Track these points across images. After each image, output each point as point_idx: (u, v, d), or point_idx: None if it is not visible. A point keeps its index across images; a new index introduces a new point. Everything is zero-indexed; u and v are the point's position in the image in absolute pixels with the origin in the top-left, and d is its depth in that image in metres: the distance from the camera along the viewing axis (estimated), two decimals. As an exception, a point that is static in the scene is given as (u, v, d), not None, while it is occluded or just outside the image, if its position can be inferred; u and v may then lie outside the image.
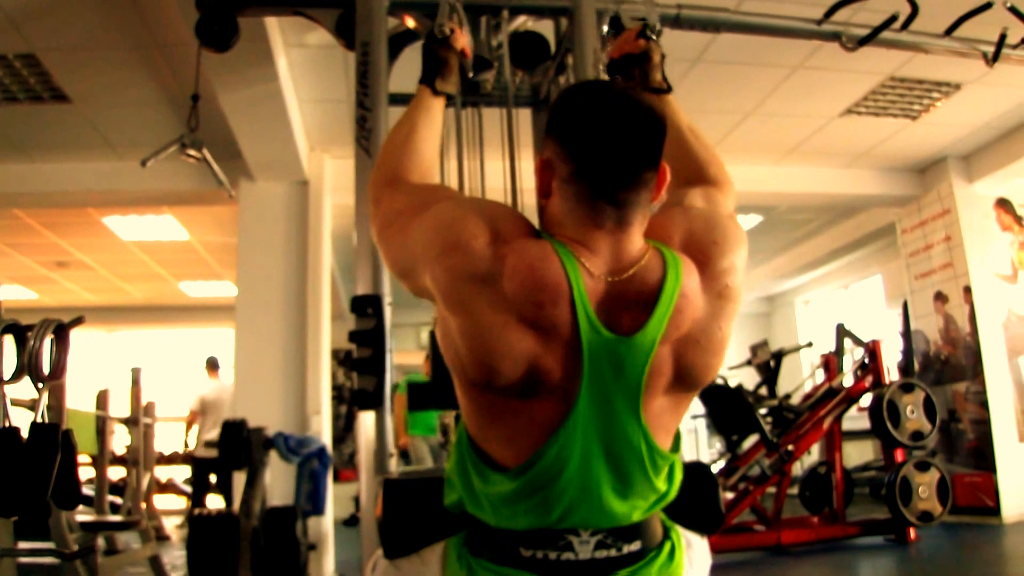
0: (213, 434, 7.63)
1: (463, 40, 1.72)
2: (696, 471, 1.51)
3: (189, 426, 8.13)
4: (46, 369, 1.95)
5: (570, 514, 1.19)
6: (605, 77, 2.02)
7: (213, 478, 7.92)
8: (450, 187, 1.50)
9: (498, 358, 1.13)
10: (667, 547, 1.27)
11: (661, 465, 1.23)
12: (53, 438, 1.86)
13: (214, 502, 7.63)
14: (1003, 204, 6.96)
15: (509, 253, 1.15)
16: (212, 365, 8.14)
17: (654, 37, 1.72)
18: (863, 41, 3.71)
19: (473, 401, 1.22)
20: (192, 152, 3.65)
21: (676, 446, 1.28)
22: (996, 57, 3.86)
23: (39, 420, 1.88)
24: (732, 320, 1.25)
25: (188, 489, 9.49)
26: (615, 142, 1.17)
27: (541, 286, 1.13)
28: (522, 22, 3.34)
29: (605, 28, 2.06)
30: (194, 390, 8.05)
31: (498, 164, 3.28)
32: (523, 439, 1.18)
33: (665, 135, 1.21)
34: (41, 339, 1.94)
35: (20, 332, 1.90)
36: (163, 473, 9.69)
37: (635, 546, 1.22)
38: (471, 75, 1.80)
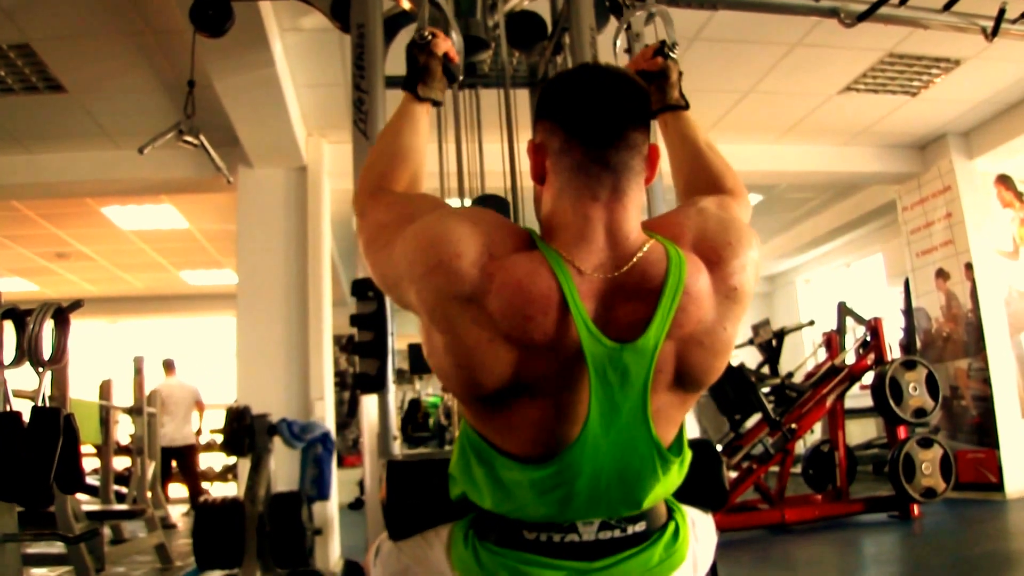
0: (169, 427, 7.99)
1: (445, 44, 1.65)
2: (700, 448, 1.51)
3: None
4: (46, 354, 1.94)
5: (579, 513, 1.20)
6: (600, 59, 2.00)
7: (174, 464, 8.46)
8: (436, 197, 1.44)
9: (480, 373, 1.14)
10: (671, 527, 1.27)
11: (669, 467, 1.22)
12: (55, 422, 1.86)
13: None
14: (1004, 180, 6.95)
15: (498, 271, 1.13)
16: (168, 365, 8.67)
17: (673, 55, 1.67)
18: (861, 17, 3.68)
19: (467, 405, 1.23)
20: (189, 139, 3.64)
21: (681, 444, 1.27)
22: (995, 32, 3.83)
23: (40, 404, 1.87)
24: (739, 322, 1.25)
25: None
26: (600, 101, 1.20)
27: (530, 299, 1.11)
28: (518, 2, 3.32)
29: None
30: (149, 387, 8.25)
31: (496, 146, 3.26)
32: (528, 437, 1.17)
33: (649, 100, 1.25)
34: (40, 323, 1.93)
35: (19, 317, 1.89)
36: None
37: (640, 527, 1.23)
38: (460, 78, 1.72)
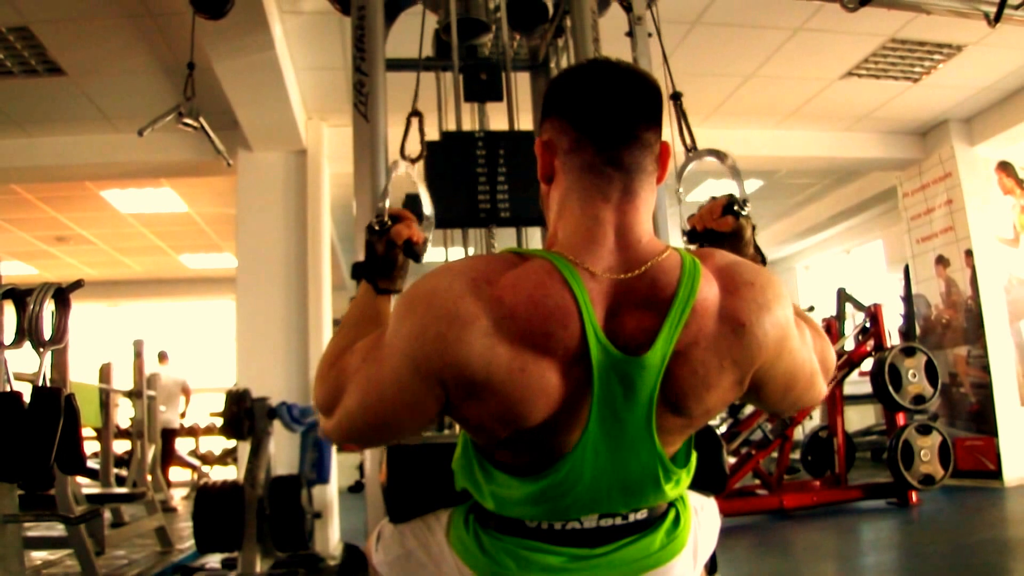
0: (165, 413, 8.38)
1: (408, 231, 1.46)
2: (700, 433, 1.50)
3: None
4: (47, 334, 1.94)
5: (581, 512, 1.17)
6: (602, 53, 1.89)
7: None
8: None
9: (530, 407, 1.06)
10: (672, 513, 1.26)
11: (673, 478, 1.20)
12: (56, 402, 1.86)
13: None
14: (1005, 167, 6.94)
15: (502, 293, 1.05)
16: (162, 356, 9.31)
17: (744, 212, 1.48)
18: (864, 1, 3.66)
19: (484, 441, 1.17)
20: (189, 121, 3.62)
21: (688, 457, 1.24)
22: (998, 18, 3.81)
23: (41, 385, 1.87)
24: (741, 370, 1.13)
25: (194, 461, 9.72)
26: (612, 98, 1.15)
27: (547, 314, 1.05)
28: (520, -15, 3.29)
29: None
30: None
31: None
32: (532, 452, 1.14)
33: (660, 96, 1.19)
34: (41, 304, 1.92)
35: (20, 297, 1.89)
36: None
37: (641, 515, 1.21)
38: (422, 259, 1.48)
